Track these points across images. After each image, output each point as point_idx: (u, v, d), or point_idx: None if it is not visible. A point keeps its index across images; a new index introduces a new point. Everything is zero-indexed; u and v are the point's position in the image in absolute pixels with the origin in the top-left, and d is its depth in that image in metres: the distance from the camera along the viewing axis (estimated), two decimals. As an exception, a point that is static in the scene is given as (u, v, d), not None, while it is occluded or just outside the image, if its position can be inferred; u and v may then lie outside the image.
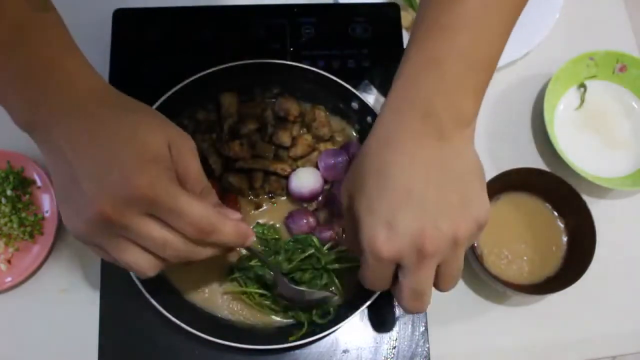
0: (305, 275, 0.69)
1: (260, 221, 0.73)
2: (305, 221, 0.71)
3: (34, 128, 0.48)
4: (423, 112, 0.50)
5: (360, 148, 0.54)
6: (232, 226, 0.50)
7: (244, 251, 0.65)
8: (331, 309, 0.68)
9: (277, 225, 0.73)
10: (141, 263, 0.49)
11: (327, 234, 0.71)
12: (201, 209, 0.47)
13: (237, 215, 0.53)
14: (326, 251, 0.70)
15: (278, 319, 0.70)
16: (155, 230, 0.47)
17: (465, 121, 0.51)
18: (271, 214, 0.74)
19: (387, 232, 0.48)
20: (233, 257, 0.62)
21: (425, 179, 0.49)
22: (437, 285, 0.53)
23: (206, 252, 0.51)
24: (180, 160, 0.49)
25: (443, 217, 0.48)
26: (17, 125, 0.49)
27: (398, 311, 0.70)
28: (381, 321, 0.70)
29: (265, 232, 0.72)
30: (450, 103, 0.50)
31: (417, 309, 0.53)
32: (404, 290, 0.52)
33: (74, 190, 0.46)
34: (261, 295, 0.69)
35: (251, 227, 0.72)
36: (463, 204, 0.49)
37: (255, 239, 0.52)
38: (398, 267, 0.51)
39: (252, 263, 0.68)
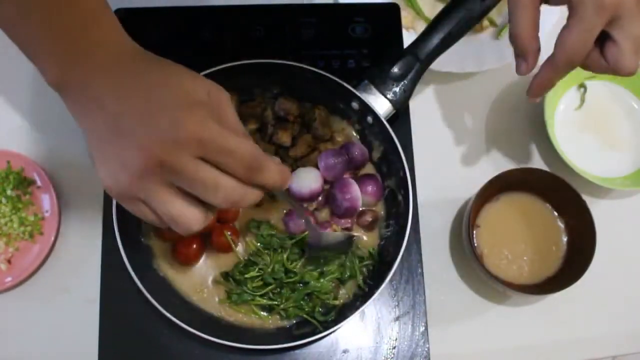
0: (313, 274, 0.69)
1: (258, 218, 0.73)
2: (303, 220, 0.71)
3: (67, 86, 0.48)
4: None
5: None
6: (276, 166, 0.50)
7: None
8: (333, 306, 0.69)
9: (272, 222, 0.73)
10: (188, 214, 0.48)
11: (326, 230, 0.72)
12: (251, 147, 0.47)
13: (277, 159, 0.53)
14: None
15: (277, 319, 0.70)
16: (207, 172, 0.46)
17: None
18: (270, 211, 0.74)
19: None
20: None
21: None
22: None
23: (254, 195, 0.50)
24: (219, 107, 0.49)
25: None
26: (49, 84, 0.48)
27: (398, 311, 0.71)
28: (381, 321, 0.70)
29: (261, 228, 0.72)
30: None
31: (635, 65, 0.55)
32: (624, 46, 0.54)
33: (118, 142, 0.45)
34: (262, 295, 0.69)
35: (246, 224, 0.73)
36: None
37: (291, 181, 0.53)
38: (611, 26, 0.53)
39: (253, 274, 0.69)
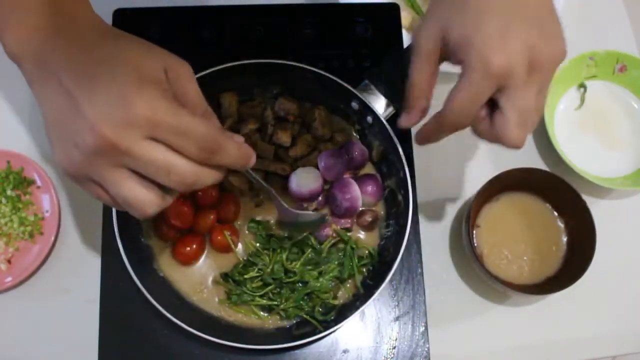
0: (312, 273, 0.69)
1: (258, 218, 0.73)
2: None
3: (28, 58, 0.47)
4: None
5: None
6: (236, 146, 0.49)
7: (241, 255, 0.65)
8: (333, 306, 0.69)
9: (271, 222, 0.73)
10: (141, 197, 0.46)
11: (325, 231, 0.72)
12: (206, 127, 0.46)
13: (239, 137, 0.51)
14: (325, 249, 0.70)
15: (277, 319, 0.70)
16: (158, 153, 0.45)
17: None
18: (270, 211, 0.74)
19: (500, 45, 0.49)
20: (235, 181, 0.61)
21: (531, 4, 0.52)
22: None
23: (211, 176, 0.49)
24: (177, 83, 0.47)
25: (547, 40, 0.51)
26: (8, 56, 0.48)
27: (398, 311, 0.71)
28: (381, 321, 0.70)
29: (260, 228, 0.72)
30: None
31: (520, 137, 0.53)
32: (510, 117, 0.52)
33: (72, 119, 0.44)
34: (261, 296, 0.69)
35: (246, 224, 0.73)
36: (558, 34, 0.53)
37: (255, 160, 0.51)
38: (499, 95, 0.52)
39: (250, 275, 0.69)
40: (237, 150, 0.49)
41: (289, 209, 0.69)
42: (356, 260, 0.71)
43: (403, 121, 0.60)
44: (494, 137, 0.54)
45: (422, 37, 0.55)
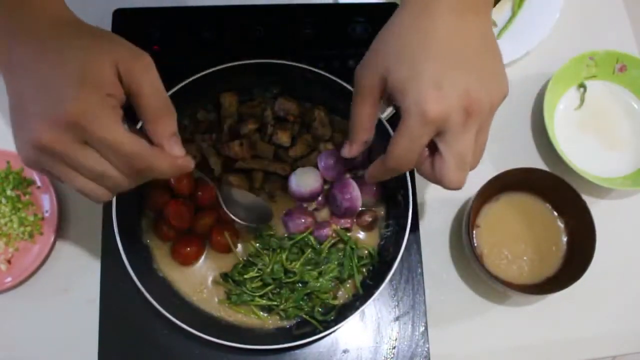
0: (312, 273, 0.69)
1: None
2: (303, 220, 0.71)
3: None
4: None
5: (385, 30, 0.56)
6: (169, 163, 0.49)
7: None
8: (333, 306, 0.69)
9: (271, 222, 0.73)
10: (91, 188, 0.48)
11: (325, 231, 0.71)
12: (133, 146, 0.46)
13: (179, 150, 0.51)
14: (325, 249, 0.70)
15: (277, 319, 0.70)
16: (91, 160, 0.46)
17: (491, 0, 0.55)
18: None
19: (435, 92, 0.50)
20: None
21: (469, 47, 0.52)
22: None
23: (145, 179, 0.50)
24: (130, 79, 0.47)
25: (484, 83, 0.52)
26: None
27: (398, 311, 0.71)
28: (381, 321, 0.70)
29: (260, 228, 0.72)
30: None
31: (459, 180, 0.53)
32: (448, 161, 0.52)
33: (22, 116, 0.46)
34: (261, 296, 0.69)
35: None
36: (496, 74, 0.54)
37: (193, 166, 0.51)
38: (438, 138, 0.52)
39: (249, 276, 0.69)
40: (168, 166, 0.49)
41: (235, 192, 0.70)
42: (356, 261, 0.71)
43: (345, 151, 0.61)
44: (435, 178, 0.55)
45: (362, 76, 0.56)
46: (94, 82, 0.45)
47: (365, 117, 0.57)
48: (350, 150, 0.60)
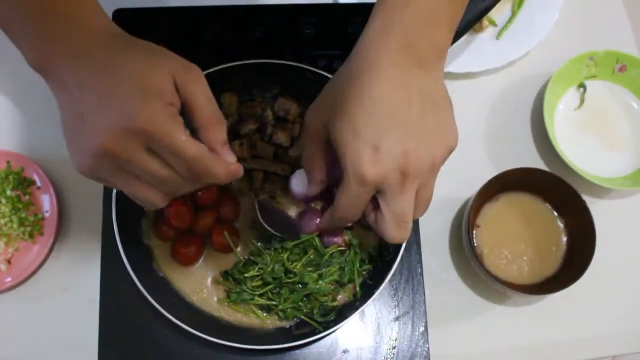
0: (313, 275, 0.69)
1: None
2: (316, 220, 0.71)
3: (46, 67, 0.49)
4: (403, 43, 0.52)
5: (334, 78, 0.56)
6: (224, 169, 0.51)
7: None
8: (332, 307, 0.69)
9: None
10: (148, 196, 0.50)
11: (335, 239, 0.71)
12: (195, 151, 0.48)
13: (232, 157, 0.52)
14: (328, 252, 0.70)
15: (277, 319, 0.70)
16: (154, 166, 0.47)
17: (441, 52, 0.54)
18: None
19: (373, 155, 0.50)
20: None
21: (409, 104, 0.51)
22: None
23: (202, 185, 0.52)
24: (185, 90, 0.49)
25: (424, 141, 0.51)
26: (30, 66, 0.49)
27: (398, 311, 0.71)
28: (381, 321, 0.70)
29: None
30: (428, 35, 0.53)
31: (400, 236, 0.55)
32: (388, 218, 0.53)
33: (79, 125, 0.47)
34: (261, 295, 0.69)
35: (247, 225, 0.73)
36: (439, 130, 0.53)
37: (242, 173, 0.53)
38: (378, 195, 0.53)
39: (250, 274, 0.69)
40: (224, 173, 0.51)
41: (274, 206, 0.71)
42: (357, 265, 0.70)
43: (311, 189, 0.62)
44: (378, 232, 0.56)
45: (309, 119, 0.58)
46: (156, 92, 0.46)
47: (314, 158, 0.59)
48: (310, 189, 0.62)
